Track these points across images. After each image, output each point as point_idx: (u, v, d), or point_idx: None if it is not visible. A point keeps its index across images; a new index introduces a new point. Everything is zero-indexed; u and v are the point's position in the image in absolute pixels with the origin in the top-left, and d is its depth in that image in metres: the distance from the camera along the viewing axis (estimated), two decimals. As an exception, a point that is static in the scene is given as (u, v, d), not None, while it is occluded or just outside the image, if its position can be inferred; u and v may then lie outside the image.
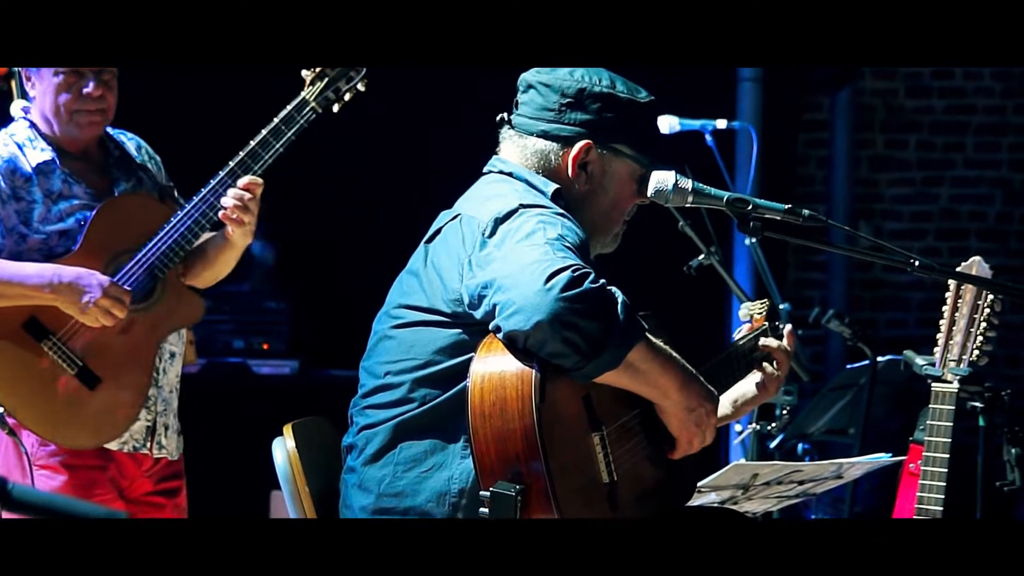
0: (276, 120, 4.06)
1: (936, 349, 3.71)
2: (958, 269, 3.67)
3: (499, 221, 3.07)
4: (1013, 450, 3.79)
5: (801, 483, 4.09)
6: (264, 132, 4.06)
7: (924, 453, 3.67)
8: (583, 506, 3.00)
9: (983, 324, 3.68)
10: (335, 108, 4.12)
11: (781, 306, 5.03)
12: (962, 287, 3.72)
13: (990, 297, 3.67)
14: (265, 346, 7.05)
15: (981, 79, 8.01)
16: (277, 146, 4.06)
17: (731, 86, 7.33)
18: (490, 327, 3.00)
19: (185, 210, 4.04)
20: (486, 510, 2.94)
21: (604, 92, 3.30)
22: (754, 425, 5.07)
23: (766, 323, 3.55)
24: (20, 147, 4.04)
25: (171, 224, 4.03)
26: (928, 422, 3.68)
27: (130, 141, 4.27)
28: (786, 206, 3.21)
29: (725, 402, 3.50)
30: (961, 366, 3.67)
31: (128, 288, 3.99)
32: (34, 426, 3.97)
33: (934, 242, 8.07)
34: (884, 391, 5.96)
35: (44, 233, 4.00)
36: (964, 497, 3.73)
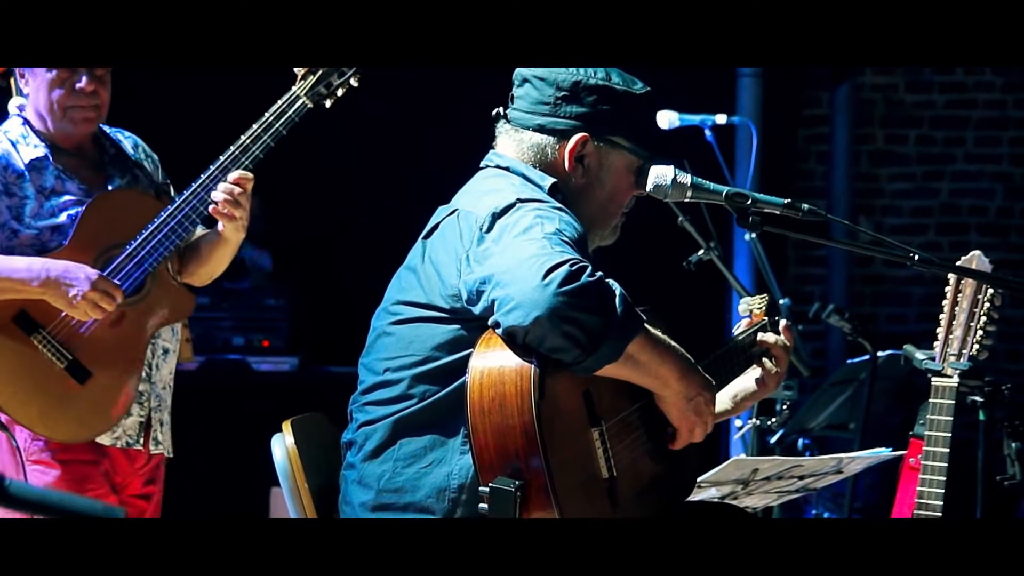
0: (267, 115, 4.06)
1: (936, 344, 3.71)
2: (958, 263, 3.67)
3: (496, 216, 3.07)
4: (1013, 444, 3.79)
5: (801, 478, 4.09)
6: (255, 127, 4.06)
7: (924, 448, 3.67)
8: (583, 501, 2.99)
9: (983, 318, 3.68)
10: (327, 104, 4.13)
11: (781, 301, 5.03)
12: (962, 281, 3.71)
13: (990, 291, 3.67)
14: (265, 343, 7.05)
15: (982, 74, 8.01)
16: (267, 140, 4.05)
17: (731, 81, 7.33)
18: (489, 323, 3.00)
19: (175, 204, 4.04)
20: (485, 506, 2.93)
21: (600, 84, 3.30)
22: (754, 420, 5.07)
23: (765, 318, 3.55)
24: (13, 143, 4.06)
25: (161, 219, 4.03)
26: (928, 416, 3.67)
27: (127, 139, 4.28)
28: (785, 201, 3.21)
29: (725, 397, 3.50)
30: (961, 360, 3.67)
31: (117, 282, 3.99)
32: (24, 420, 3.98)
33: (934, 237, 8.07)
34: (884, 386, 5.96)
35: (36, 229, 4.00)
36: (964, 491, 3.73)
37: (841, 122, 7.92)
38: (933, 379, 3.69)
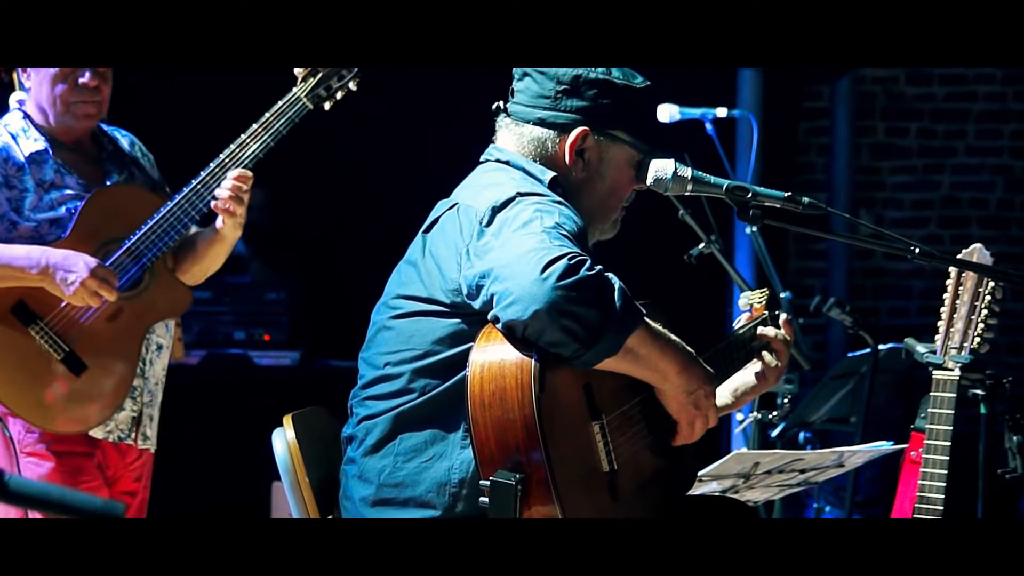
0: (267, 115, 4.12)
1: (937, 337, 3.71)
2: (959, 256, 3.67)
3: (496, 210, 3.07)
4: (1015, 438, 3.78)
5: (802, 471, 4.09)
6: (255, 126, 4.11)
7: (925, 441, 3.67)
8: (583, 495, 2.99)
9: (984, 312, 3.67)
10: (326, 106, 4.19)
11: (782, 294, 5.03)
12: (963, 275, 3.71)
13: (991, 284, 3.67)
14: (266, 337, 7.06)
15: (982, 66, 7.99)
16: (268, 140, 4.10)
17: (731, 75, 7.32)
18: (488, 317, 3.00)
19: (175, 200, 4.08)
20: (486, 499, 2.93)
21: (600, 78, 3.30)
22: (755, 414, 5.07)
23: (766, 312, 3.55)
24: (13, 137, 4.09)
25: (160, 214, 4.06)
26: (929, 410, 3.67)
27: (124, 137, 4.32)
28: (786, 194, 3.20)
29: (725, 392, 3.50)
30: (962, 354, 3.66)
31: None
32: (19, 410, 4.00)
33: (935, 230, 8.06)
34: (885, 379, 5.95)
35: (35, 221, 4.03)
36: (966, 485, 3.73)
37: (842, 115, 7.91)
38: (934, 372, 3.69)
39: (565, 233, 3.01)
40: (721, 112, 5.45)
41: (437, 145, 5.89)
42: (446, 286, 3.13)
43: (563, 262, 2.89)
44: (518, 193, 3.11)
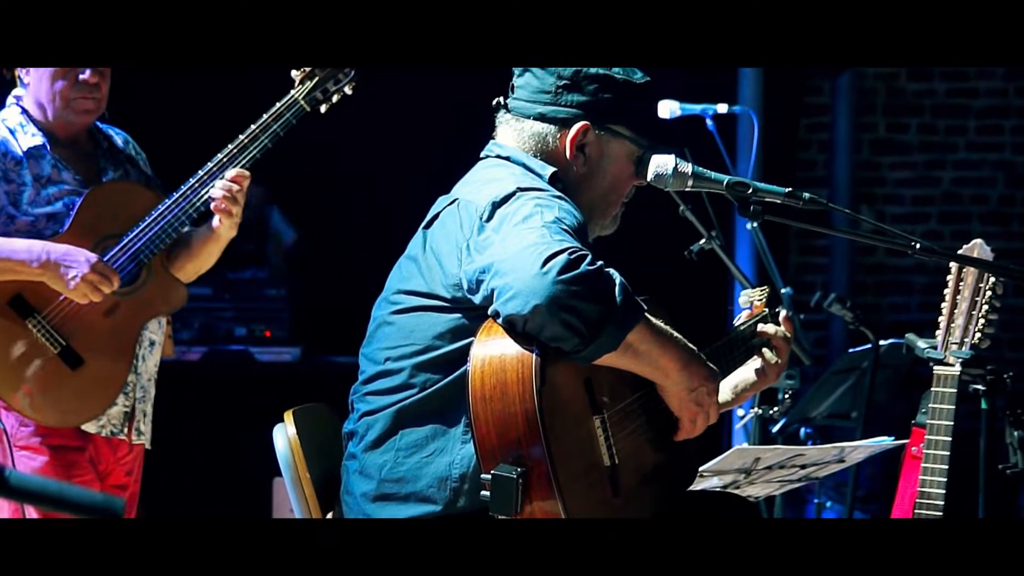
0: (265, 116, 4.16)
1: (938, 332, 3.71)
2: (960, 252, 3.67)
3: (497, 205, 3.07)
4: (1016, 433, 3.78)
5: (803, 467, 4.08)
6: (253, 127, 4.14)
7: (926, 436, 3.67)
8: (584, 489, 2.99)
9: (985, 307, 3.67)
10: (322, 109, 4.23)
11: (783, 290, 5.02)
12: (964, 270, 3.71)
13: (992, 280, 3.67)
14: (267, 333, 7.06)
15: (983, 62, 7.99)
16: (265, 141, 4.14)
17: (732, 71, 7.32)
18: (489, 312, 3.00)
19: (172, 199, 4.12)
20: (487, 493, 2.93)
21: (601, 73, 3.30)
22: (756, 409, 5.06)
23: (766, 309, 3.55)
24: (12, 132, 4.12)
25: (158, 211, 4.10)
26: (930, 405, 3.67)
27: (117, 135, 4.36)
28: (787, 189, 3.20)
29: (725, 388, 3.50)
30: (963, 349, 3.66)
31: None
32: (14, 403, 4.02)
33: (936, 225, 8.06)
34: (886, 375, 5.94)
35: (32, 216, 4.06)
36: (967, 480, 3.73)
37: (842, 111, 7.91)
38: (935, 368, 3.69)
39: (565, 228, 3.01)
40: (722, 108, 5.44)
41: (437, 141, 5.88)
42: (447, 281, 3.13)
43: (564, 256, 2.89)
44: (518, 188, 3.11)
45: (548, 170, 3.26)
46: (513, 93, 3.36)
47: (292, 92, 4.17)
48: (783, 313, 3.53)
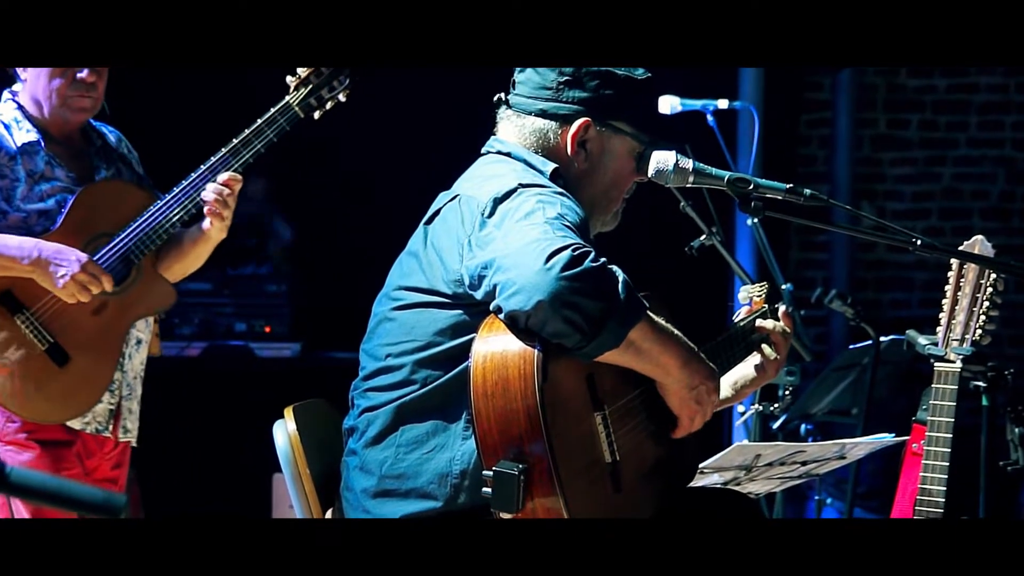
0: (259, 121, 4.18)
1: (939, 329, 3.71)
2: (961, 248, 3.67)
3: (498, 201, 3.06)
4: (1016, 430, 3.79)
5: (804, 464, 4.08)
6: (246, 132, 4.17)
7: (927, 433, 3.67)
8: (585, 486, 2.99)
9: (986, 303, 3.67)
10: (316, 115, 4.26)
11: (783, 286, 5.02)
12: (965, 266, 3.71)
13: (993, 276, 3.67)
14: (267, 329, 7.06)
15: (984, 58, 7.98)
16: (258, 146, 4.17)
17: (733, 66, 7.31)
18: (491, 307, 3.00)
19: (164, 200, 4.14)
20: (488, 490, 2.93)
21: (602, 69, 3.29)
22: (757, 406, 5.06)
23: (766, 305, 3.55)
24: (6, 127, 4.14)
25: (149, 212, 4.13)
26: (931, 402, 3.67)
27: (111, 134, 4.38)
28: (788, 186, 3.20)
29: (725, 385, 3.50)
30: (964, 346, 3.66)
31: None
32: (0, 398, 4.02)
33: (937, 221, 8.06)
34: (887, 371, 5.95)
35: (24, 211, 4.08)
36: (967, 477, 3.73)
37: (843, 107, 7.91)
38: (936, 364, 3.69)
39: (568, 224, 3.00)
40: (722, 104, 5.44)
41: (438, 138, 5.88)
42: (448, 277, 3.12)
43: (567, 253, 2.88)
44: (520, 184, 3.10)
45: (549, 166, 3.25)
46: (514, 89, 3.36)
47: (287, 98, 4.20)
48: (783, 309, 3.53)
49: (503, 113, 3.37)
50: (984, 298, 3.67)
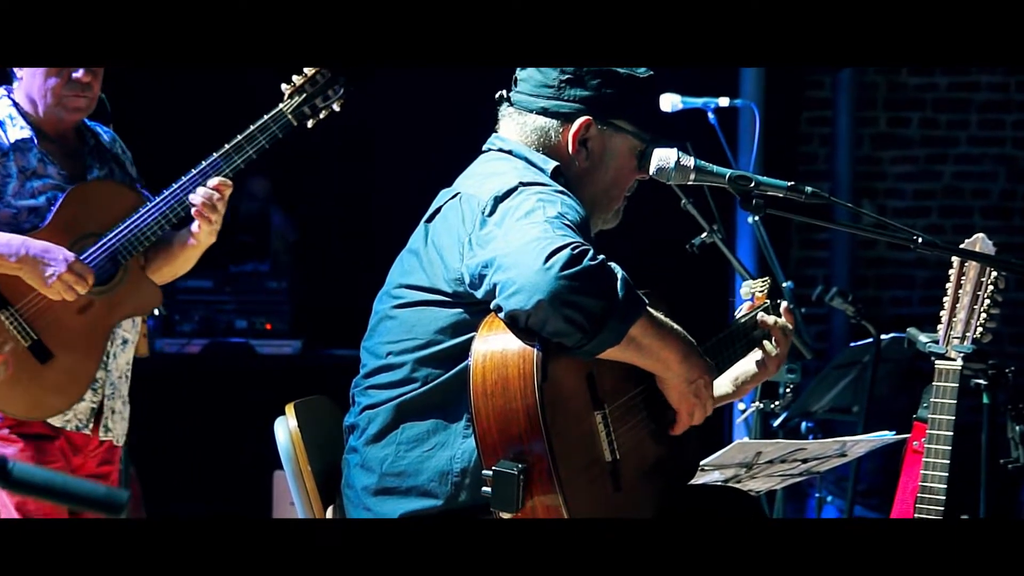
0: (252, 128, 4.19)
1: (940, 327, 3.71)
2: (962, 246, 3.67)
3: (499, 199, 3.06)
4: (1017, 428, 3.78)
5: (805, 461, 4.08)
6: (239, 137, 4.18)
7: (928, 431, 3.67)
8: (585, 484, 2.99)
9: (987, 301, 3.67)
10: (309, 124, 4.27)
11: (784, 284, 5.02)
12: (966, 264, 3.71)
13: (994, 274, 3.66)
14: (268, 326, 7.07)
15: (985, 56, 7.97)
16: (249, 152, 4.18)
17: (734, 64, 7.31)
18: (491, 307, 3.00)
19: (154, 202, 4.15)
20: (488, 489, 2.93)
21: (603, 68, 3.29)
22: (758, 403, 5.06)
23: (767, 301, 3.55)
24: (0, 123, 4.13)
25: (139, 214, 4.14)
26: (932, 400, 3.67)
27: (105, 133, 4.38)
28: (789, 183, 3.20)
29: (726, 381, 3.50)
30: (965, 343, 3.66)
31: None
32: None
33: (937, 219, 8.06)
34: (888, 369, 5.94)
35: (15, 208, 4.09)
36: (968, 475, 3.73)
37: (844, 105, 7.91)
38: (937, 362, 3.69)
39: (568, 223, 3.00)
40: (723, 101, 5.44)
41: (439, 135, 5.88)
42: (448, 275, 3.12)
43: (566, 252, 2.88)
44: (520, 183, 3.10)
45: (550, 164, 3.25)
46: (516, 86, 3.36)
47: (280, 105, 4.21)
48: (784, 305, 3.53)
49: (505, 110, 3.37)
50: (985, 296, 3.67)
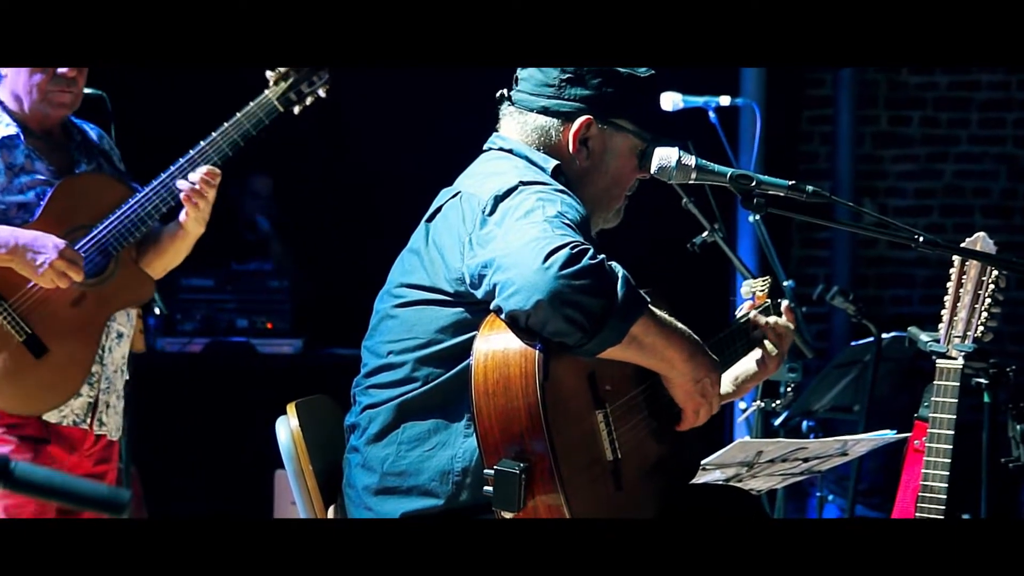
0: (238, 115, 4.22)
1: (941, 326, 3.71)
2: (962, 245, 3.67)
3: (499, 199, 3.06)
4: (1018, 427, 3.78)
5: (806, 460, 4.08)
6: (226, 125, 4.21)
7: (929, 430, 3.67)
8: (587, 484, 2.99)
9: (987, 300, 3.67)
10: (296, 110, 4.29)
11: (785, 283, 5.03)
12: (966, 263, 3.71)
13: (994, 273, 3.66)
14: (269, 325, 7.07)
15: (985, 55, 7.98)
16: (237, 139, 4.21)
17: (734, 63, 7.31)
18: (492, 307, 2.99)
19: (143, 192, 4.16)
20: (490, 488, 2.93)
21: (604, 67, 3.29)
22: (759, 402, 5.06)
23: (768, 300, 3.55)
24: None
25: (128, 205, 4.15)
26: (933, 399, 3.67)
27: (92, 130, 4.39)
28: (790, 182, 3.20)
29: (726, 380, 3.50)
30: (966, 342, 3.66)
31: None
32: None
33: (938, 218, 8.06)
34: (889, 368, 5.94)
35: (3, 204, 4.09)
36: (969, 474, 3.73)
37: (845, 104, 7.91)
38: (938, 361, 3.69)
39: (567, 222, 3.00)
40: (724, 100, 5.44)
41: (440, 134, 5.88)
42: (449, 275, 3.12)
43: (565, 251, 2.88)
44: (520, 182, 3.10)
45: (551, 163, 3.25)
46: (517, 85, 3.36)
47: (266, 92, 4.24)
48: (784, 304, 3.53)
49: (505, 109, 3.37)
50: (986, 295, 3.67)
